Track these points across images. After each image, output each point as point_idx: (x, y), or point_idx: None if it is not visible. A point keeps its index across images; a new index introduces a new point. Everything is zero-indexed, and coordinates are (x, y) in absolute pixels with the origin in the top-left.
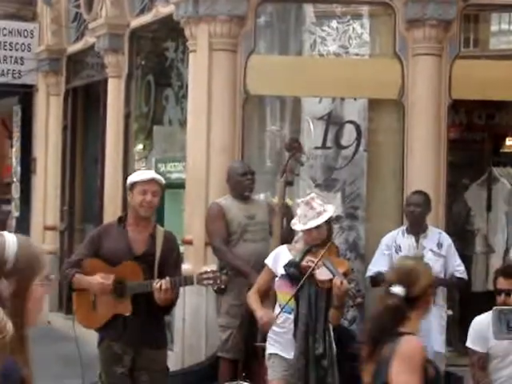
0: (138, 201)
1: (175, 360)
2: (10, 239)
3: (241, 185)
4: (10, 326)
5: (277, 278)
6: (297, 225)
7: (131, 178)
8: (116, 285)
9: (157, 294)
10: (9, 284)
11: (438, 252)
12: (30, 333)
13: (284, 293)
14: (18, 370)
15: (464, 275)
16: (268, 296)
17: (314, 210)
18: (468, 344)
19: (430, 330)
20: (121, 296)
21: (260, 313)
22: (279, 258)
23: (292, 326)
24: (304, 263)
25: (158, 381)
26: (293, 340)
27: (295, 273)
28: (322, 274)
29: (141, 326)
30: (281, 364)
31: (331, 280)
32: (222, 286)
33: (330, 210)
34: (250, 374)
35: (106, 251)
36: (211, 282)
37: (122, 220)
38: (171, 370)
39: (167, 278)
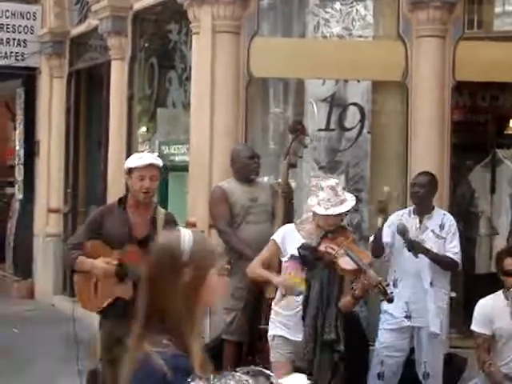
0: (137, 187)
1: None
2: (186, 234)
3: (248, 168)
4: None
5: (285, 258)
6: (317, 208)
7: (128, 163)
8: (118, 269)
9: None
10: (186, 274)
11: (438, 233)
12: (35, 315)
13: (292, 274)
14: (187, 362)
15: (455, 257)
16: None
17: (339, 196)
18: (473, 327)
19: (427, 311)
20: (122, 280)
21: (278, 278)
22: (288, 237)
23: (298, 308)
24: (322, 248)
25: None
26: (299, 322)
27: (310, 257)
28: (346, 263)
29: None
30: (286, 346)
31: (356, 270)
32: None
33: (352, 199)
34: (254, 356)
35: (107, 233)
36: None
37: (122, 201)
38: None
39: None
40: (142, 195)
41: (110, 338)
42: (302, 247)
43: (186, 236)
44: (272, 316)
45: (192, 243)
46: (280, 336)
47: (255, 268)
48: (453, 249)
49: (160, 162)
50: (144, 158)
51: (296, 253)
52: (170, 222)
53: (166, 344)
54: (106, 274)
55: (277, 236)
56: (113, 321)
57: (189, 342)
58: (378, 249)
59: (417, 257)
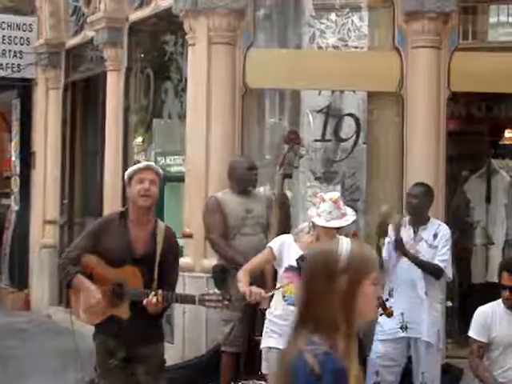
0: (136, 190)
1: (176, 353)
2: (344, 241)
3: (246, 179)
4: None
5: (282, 268)
6: (317, 219)
7: (128, 171)
8: (115, 287)
9: (149, 307)
10: (342, 280)
11: (431, 243)
12: (30, 327)
13: (289, 284)
14: (337, 361)
15: (442, 264)
16: (263, 278)
17: (340, 210)
18: (470, 333)
19: (421, 321)
20: (119, 299)
21: (246, 288)
22: (285, 246)
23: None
24: None
25: (154, 372)
26: None
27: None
28: None
29: (136, 327)
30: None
31: None
32: (224, 311)
33: (353, 214)
34: (250, 367)
35: (105, 248)
36: (213, 304)
37: (123, 215)
38: (172, 363)
39: (159, 292)
40: (142, 199)
41: (104, 351)
42: (302, 259)
43: (344, 244)
44: (266, 326)
45: (349, 251)
46: (275, 348)
47: (241, 272)
48: (441, 256)
49: (159, 169)
50: (141, 163)
51: (294, 263)
52: (170, 239)
53: (318, 342)
54: (95, 306)
55: (273, 244)
56: (107, 335)
57: (342, 344)
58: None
59: (399, 257)
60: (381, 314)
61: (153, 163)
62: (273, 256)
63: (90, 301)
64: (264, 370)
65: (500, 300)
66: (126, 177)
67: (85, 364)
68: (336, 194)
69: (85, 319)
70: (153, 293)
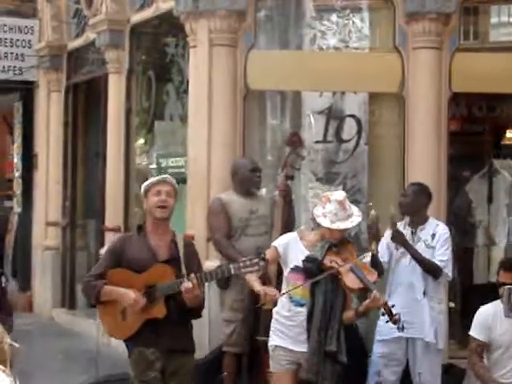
0: (153, 202)
1: None
2: None
3: (250, 181)
4: None
5: (287, 269)
6: (323, 220)
7: (144, 184)
8: (147, 290)
9: (187, 294)
10: None
11: (429, 243)
12: (33, 328)
13: (295, 285)
14: None
15: (441, 264)
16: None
17: (346, 211)
18: (470, 332)
19: (420, 322)
20: (152, 301)
21: (260, 288)
22: (290, 245)
23: (302, 319)
24: (327, 263)
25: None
26: (301, 332)
27: (314, 270)
28: (352, 280)
29: (172, 330)
30: (287, 356)
31: (360, 288)
32: (260, 272)
33: (358, 214)
34: (253, 367)
35: (129, 261)
36: (249, 269)
37: (141, 228)
38: None
39: (192, 275)
40: (159, 210)
41: (142, 363)
42: (307, 260)
43: None
44: (273, 325)
45: None
46: (281, 347)
47: (248, 277)
48: (439, 256)
49: (174, 182)
50: (158, 177)
51: (300, 264)
52: (190, 246)
53: None
54: (135, 308)
55: (278, 243)
56: (144, 344)
57: None
58: (376, 268)
59: (397, 249)
60: (387, 321)
61: (168, 176)
62: (277, 255)
63: (127, 303)
64: (272, 369)
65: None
66: (142, 190)
67: (86, 367)
68: (342, 194)
69: (118, 333)
70: (185, 279)
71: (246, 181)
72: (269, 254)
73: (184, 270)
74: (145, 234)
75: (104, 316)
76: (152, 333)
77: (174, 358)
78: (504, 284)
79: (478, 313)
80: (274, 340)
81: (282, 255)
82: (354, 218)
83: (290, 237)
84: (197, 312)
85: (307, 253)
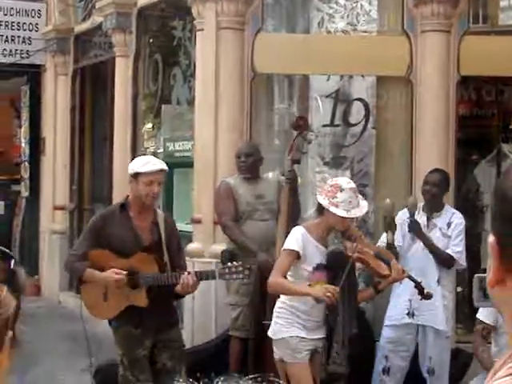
0: (145, 192)
1: (185, 338)
2: None
3: (236, 166)
4: None
5: (309, 268)
6: (337, 210)
7: (136, 167)
8: (129, 277)
9: (181, 288)
10: None
11: (445, 231)
12: (42, 312)
13: (318, 282)
14: None
15: (456, 255)
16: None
17: (357, 198)
18: (478, 315)
19: (431, 309)
20: (134, 288)
21: (318, 290)
22: (306, 243)
23: (318, 313)
24: (350, 253)
25: (177, 357)
26: (317, 324)
27: (341, 263)
28: (381, 266)
29: (157, 312)
30: (307, 346)
31: (390, 271)
32: (245, 281)
33: (364, 201)
34: (259, 351)
35: (112, 240)
36: (234, 276)
37: (124, 207)
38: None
39: (192, 272)
40: (149, 199)
41: (130, 341)
42: (332, 255)
43: None
44: (289, 318)
45: None
46: (302, 337)
47: (281, 283)
48: (454, 246)
49: (166, 167)
50: (151, 162)
51: (321, 261)
52: (171, 226)
53: None
54: (119, 285)
55: (296, 245)
56: (129, 324)
57: None
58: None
59: (412, 239)
60: (421, 299)
61: (162, 164)
62: (298, 257)
63: (111, 283)
64: (290, 360)
65: None
66: (132, 170)
67: (94, 350)
68: (351, 182)
69: (100, 314)
70: (186, 273)
71: (236, 166)
72: (286, 259)
73: (166, 256)
74: (128, 214)
75: (86, 295)
76: (136, 315)
77: (161, 334)
78: None
79: None
80: (293, 331)
81: (301, 255)
82: (362, 203)
83: (301, 235)
84: (180, 296)
85: (321, 247)
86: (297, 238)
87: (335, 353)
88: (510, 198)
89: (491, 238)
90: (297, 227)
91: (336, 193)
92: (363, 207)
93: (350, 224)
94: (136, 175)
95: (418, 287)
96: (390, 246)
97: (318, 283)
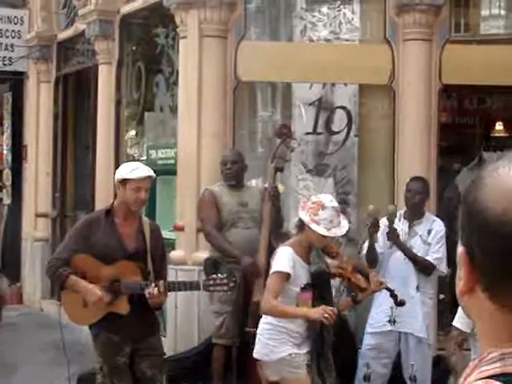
0: (132, 198)
1: (168, 346)
2: None
3: (222, 174)
4: None
5: (297, 289)
6: (318, 227)
7: (124, 174)
8: (111, 284)
9: (151, 299)
10: None
11: (425, 239)
12: (24, 320)
13: (305, 302)
14: None
15: (435, 262)
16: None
17: (339, 217)
18: (454, 322)
19: (412, 316)
20: (116, 295)
21: (315, 311)
22: (295, 264)
23: (304, 326)
24: (333, 270)
25: (157, 365)
26: (304, 336)
27: (326, 283)
28: (361, 280)
29: (137, 319)
30: (305, 360)
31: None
32: (229, 293)
33: (345, 220)
34: (243, 359)
35: (96, 247)
36: (218, 288)
37: (109, 213)
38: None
39: (161, 282)
40: (136, 205)
41: (110, 348)
42: (317, 275)
43: None
44: (283, 338)
45: None
46: (298, 353)
47: (276, 307)
48: (434, 253)
49: (153, 173)
50: (140, 169)
51: (307, 281)
52: (157, 233)
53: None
54: (99, 303)
55: (287, 267)
56: (110, 332)
57: None
58: (373, 259)
59: (391, 247)
60: (396, 307)
61: (150, 171)
62: (288, 279)
63: (91, 299)
64: (292, 376)
65: None
66: (119, 177)
67: (76, 358)
68: (334, 200)
69: (80, 320)
70: (153, 284)
71: (221, 173)
72: (279, 282)
73: (150, 264)
74: (113, 220)
75: (66, 301)
76: (117, 321)
77: (142, 341)
78: None
79: None
80: (288, 349)
81: (292, 276)
82: (343, 222)
83: (290, 255)
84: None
85: (306, 265)
86: (287, 259)
87: (324, 363)
88: (478, 209)
89: (460, 249)
90: (284, 248)
91: (318, 210)
92: (343, 227)
93: (330, 242)
94: (124, 181)
95: (393, 295)
96: (372, 250)
97: (305, 304)
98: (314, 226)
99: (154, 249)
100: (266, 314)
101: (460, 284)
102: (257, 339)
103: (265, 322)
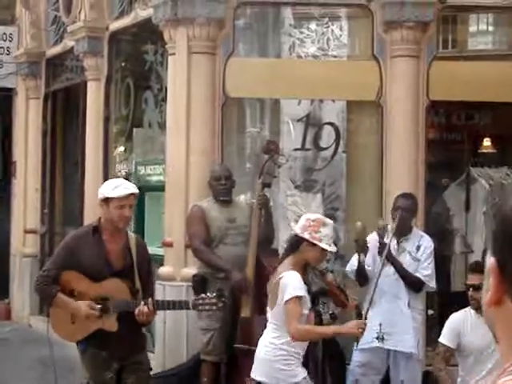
0: (116, 216)
1: (156, 362)
2: None
3: (215, 189)
4: None
5: (306, 311)
6: (323, 244)
7: (105, 192)
8: (100, 302)
9: (140, 317)
10: None
11: (414, 255)
12: (11, 336)
13: (311, 322)
14: None
15: (425, 278)
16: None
17: (333, 235)
18: (440, 338)
19: (402, 333)
20: (105, 312)
21: (350, 327)
22: (304, 287)
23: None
24: (331, 288)
25: (144, 381)
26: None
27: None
28: (344, 296)
29: (125, 336)
30: (308, 382)
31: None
32: (218, 312)
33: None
34: (231, 375)
35: (83, 264)
36: (207, 307)
37: (96, 229)
38: (153, 372)
39: (150, 301)
40: (121, 223)
41: (98, 364)
42: (320, 293)
43: None
44: (292, 363)
45: None
46: (306, 376)
47: (307, 330)
48: (423, 270)
49: (137, 191)
50: (122, 186)
51: (309, 301)
52: (142, 248)
53: None
54: (88, 317)
55: (303, 291)
56: (98, 348)
57: None
58: (363, 278)
59: (382, 263)
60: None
61: (133, 188)
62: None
63: (82, 315)
64: None
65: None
66: (102, 195)
67: (66, 375)
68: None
69: (68, 336)
70: (142, 302)
71: (213, 189)
72: (299, 306)
73: (138, 282)
74: (100, 237)
75: (54, 317)
76: (105, 338)
77: (129, 357)
78: (472, 286)
79: (448, 320)
80: (302, 373)
81: (304, 300)
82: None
83: (299, 278)
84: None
85: (305, 287)
86: (300, 283)
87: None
88: (509, 222)
89: (491, 260)
90: (291, 272)
91: (319, 227)
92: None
93: (324, 259)
94: (106, 200)
95: (358, 311)
96: (362, 268)
97: (310, 324)
98: (317, 242)
99: (140, 264)
100: (301, 340)
101: (487, 295)
102: (267, 366)
103: (276, 347)
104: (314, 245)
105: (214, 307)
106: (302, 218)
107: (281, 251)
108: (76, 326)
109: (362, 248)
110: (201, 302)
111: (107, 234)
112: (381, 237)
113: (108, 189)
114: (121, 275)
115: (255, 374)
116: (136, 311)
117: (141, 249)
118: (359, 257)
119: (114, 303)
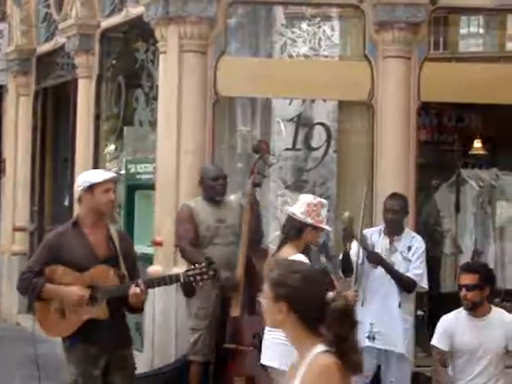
0: (103, 200)
1: (145, 361)
2: None
3: (212, 189)
4: None
5: None
6: (325, 225)
7: (90, 179)
8: (91, 291)
9: (132, 299)
10: None
11: (406, 255)
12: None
13: None
14: None
15: (416, 278)
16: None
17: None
18: (432, 341)
19: (393, 333)
20: (94, 301)
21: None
22: None
23: None
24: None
25: (128, 378)
26: None
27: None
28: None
29: (113, 327)
30: None
31: None
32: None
33: None
34: (220, 375)
35: (67, 258)
36: (199, 278)
37: (76, 223)
38: (141, 371)
39: (140, 281)
40: (108, 207)
41: (86, 361)
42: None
43: None
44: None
45: None
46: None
47: None
48: (415, 269)
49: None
50: (102, 171)
51: None
52: (125, 237)
53: None
54: (81, 301)
55: None
56: (86, 343)
57: None
58: (348, 267)
59: (375, 267)
60: None
61: (112, 172)
62: None
63: (73, 299)
64: None
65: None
66: (84, 184)
67: (54, 373)
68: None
69: (59, 332)
70: (133, 284)
71: (208, 189)
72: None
73: (123, 268)
74: (81, 230)
75: (41, 314)
76: (94, 330)
77: (116, 353)
78: (465, 286)
79: (440, 322)
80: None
81: None
82: None
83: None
84: (138, 310)
85: None
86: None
87: None
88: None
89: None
90: (299, 256)
91: (320, 210)
92: None
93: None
94: (91, 187)
95: None
96: (347, 256)
97: None
98: (322, 225)
99: (124, 252)
100: None
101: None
102: (273, 351)
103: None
104: (317, 227)
105: (206, 276)
106: (302, 202)
107: (270, 250)
108: (66, 320)
109: (350, 237)
110: (191, 272)
111: (88, 226)
112: (364, 245)
113: (91, 177)
114: (106, 264)
115: (264, 360)
116: (130, 291)
117: (123, 236)
118: (345, 246)
119: (103, 290)
